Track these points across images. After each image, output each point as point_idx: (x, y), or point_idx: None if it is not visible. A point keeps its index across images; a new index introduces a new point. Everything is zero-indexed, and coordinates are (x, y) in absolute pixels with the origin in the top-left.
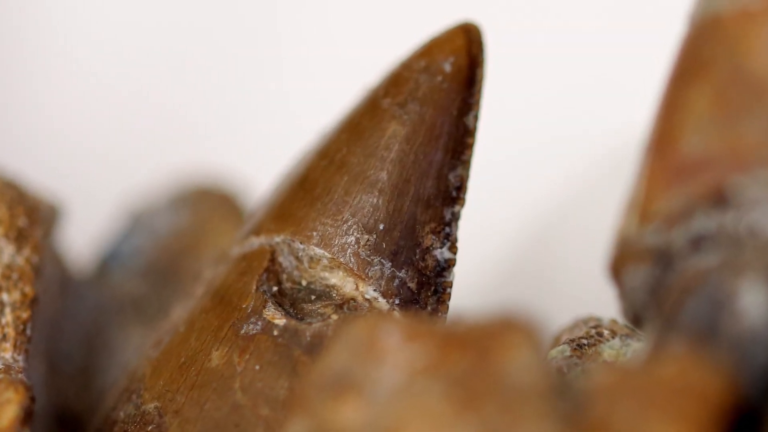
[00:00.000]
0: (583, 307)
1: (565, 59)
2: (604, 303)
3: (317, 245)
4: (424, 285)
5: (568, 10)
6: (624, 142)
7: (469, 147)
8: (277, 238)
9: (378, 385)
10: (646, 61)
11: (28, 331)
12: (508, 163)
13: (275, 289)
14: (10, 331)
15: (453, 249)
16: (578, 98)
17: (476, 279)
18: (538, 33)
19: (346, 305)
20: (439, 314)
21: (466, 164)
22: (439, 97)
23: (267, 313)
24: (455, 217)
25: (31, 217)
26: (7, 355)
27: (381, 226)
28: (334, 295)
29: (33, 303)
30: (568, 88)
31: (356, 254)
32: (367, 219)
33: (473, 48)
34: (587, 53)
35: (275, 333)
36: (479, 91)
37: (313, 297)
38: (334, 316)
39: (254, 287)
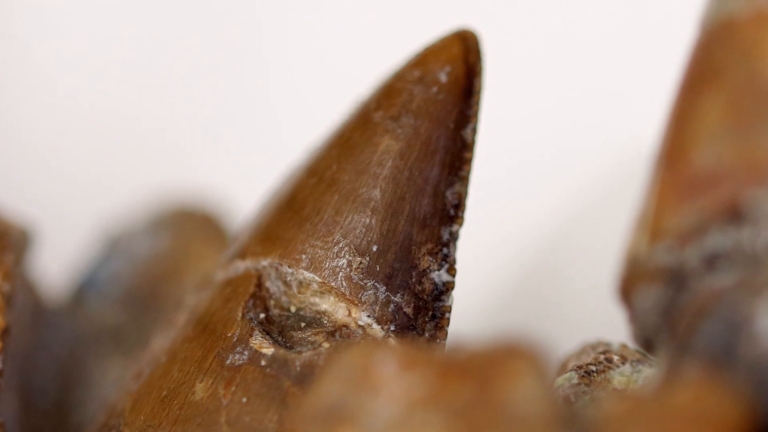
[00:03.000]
0: (591, 332)
1: (568, 67)
2: (614, 326)
3: (306, 269)
4: (421, 310)
5: (572, 15)
6: (632, 155)
7: (467, 162)
8: (264, 262)
9: (373, 418)
10: (655, 68)
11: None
12: (508, 179)
13: (262, 316)
14: None
15: (451, 271)
16: (583, 109)
17: (476, 303)
18: (539, 40)
19: (338, 332)
20: (438, 341)
21: (465, 180)
22: (434, 109)
23: (254, 341)
24: (453, 237)
25: (1, 242)
26: None
27: (374, 248)
28: (325, 321)
29: (4, 334)
30: (572, 98)
31: (348, 278)
32: (359, 240)
33: (470, 56)
34: (592, 60)
35: (263, 363)
36: (477, 103)
37: (302, 324)
38: (326, 344)
39: (240, 314)
